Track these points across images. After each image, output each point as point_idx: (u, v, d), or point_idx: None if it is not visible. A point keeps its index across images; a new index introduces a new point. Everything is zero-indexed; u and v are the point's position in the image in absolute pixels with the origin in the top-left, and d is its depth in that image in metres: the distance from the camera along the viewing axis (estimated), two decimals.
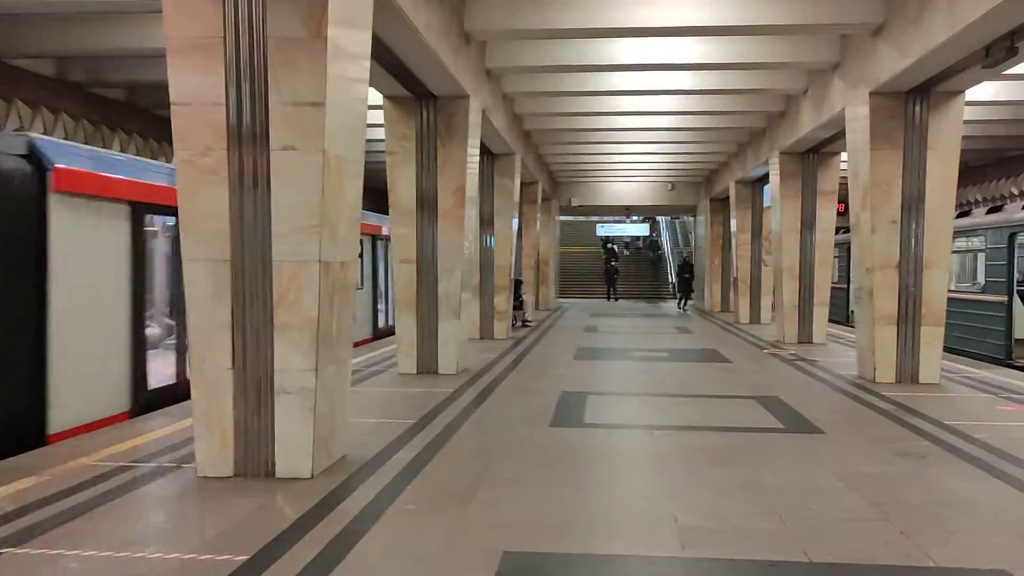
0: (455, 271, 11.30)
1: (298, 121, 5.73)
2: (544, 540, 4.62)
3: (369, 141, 18.24)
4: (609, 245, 41.09)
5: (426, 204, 11.26)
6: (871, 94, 10.40)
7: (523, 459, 6.43)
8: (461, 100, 11.21)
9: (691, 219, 38.10)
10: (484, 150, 15.67)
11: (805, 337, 16.02)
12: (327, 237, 5.84)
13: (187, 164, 5.82)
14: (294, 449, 5.84)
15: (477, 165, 12.17)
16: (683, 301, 28.89)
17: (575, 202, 29.77)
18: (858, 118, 10.92)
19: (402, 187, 11.28)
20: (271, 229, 5.76)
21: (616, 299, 33.95)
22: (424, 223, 11.27)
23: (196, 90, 5.82)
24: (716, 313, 26.31)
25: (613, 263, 36.13)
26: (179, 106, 5.85)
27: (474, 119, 11.56)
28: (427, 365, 11.35)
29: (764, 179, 20.33)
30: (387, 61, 9.55)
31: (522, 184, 21.65)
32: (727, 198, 25.01)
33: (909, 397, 9.45)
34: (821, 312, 16.01)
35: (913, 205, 10.43)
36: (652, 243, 44.34)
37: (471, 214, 11.77)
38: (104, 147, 15.06)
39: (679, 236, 44.11)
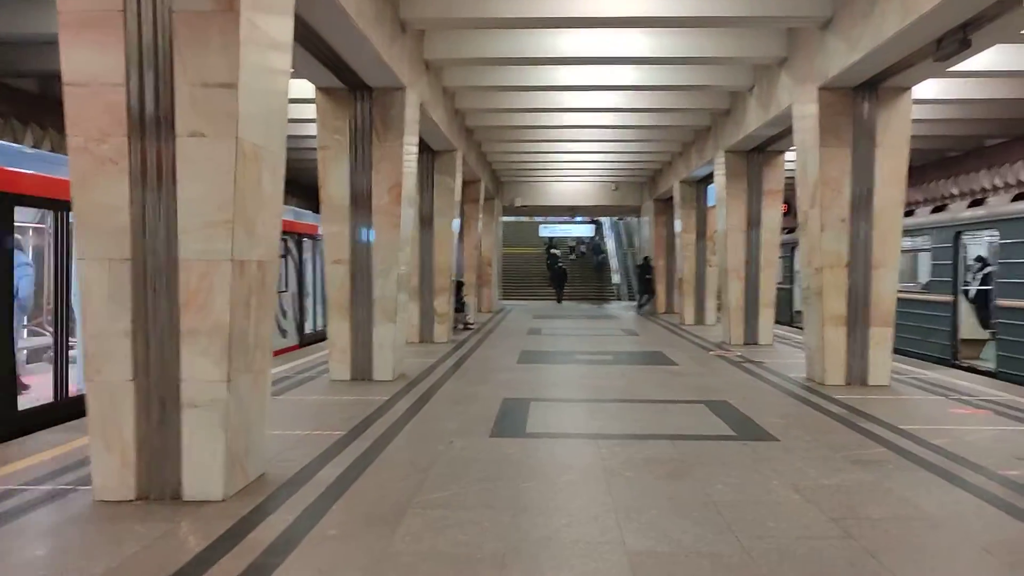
0: (391, 272, 10.75)
1: (207, 105, 5.16)
2: (480, 571, 4.14)
3: (303, 137, 17.81)
4: (552, 251, 40.51)
5: (360, 202, 10.69)
6: (820, 89, 10.14)
7: (460, 475, 5.93)
8: (397, 92, 10.67)
9: (635, 220, 38.00)
10: (424, 146, 15.16)
11: (751, 338, 15.80)
12: (241, 233, 5.28)
13: (81, 152, 5.21)
14: (203, 468, 5.27)
15: (415, 161, 11.64)
16: (644, 302, 27.41)
17: (519, 202, 29.35)
18: (806, 115, 10.66)
19: (335, 184, 10.70)
20: (177, 224, 5.19)
21: (560, 301, 33.33)
22: (358, 222, 10.71)
23: (92, 69, 5.22)
24: (661, 314, 26.08)
25: (560, 265, 35.74)
26: (73, 87, 5.24)
27: (411, 113, 11.03)
28: (361, 371, 10.78)
29: (708, 179, 20.15)
30: (318, 49, 9.00)
31: (464, 183, 21.16)
32: (671, 198, 24.81)
33: (860, 400, 9.19)
34: (767, 313, 15.80)
35: (862, 203, 10.19)
36: (595, 247, 43.94)
37: (408, 213, 11.23)
38: (16, 142, 14.15)
39: (623, 237, 43.97)
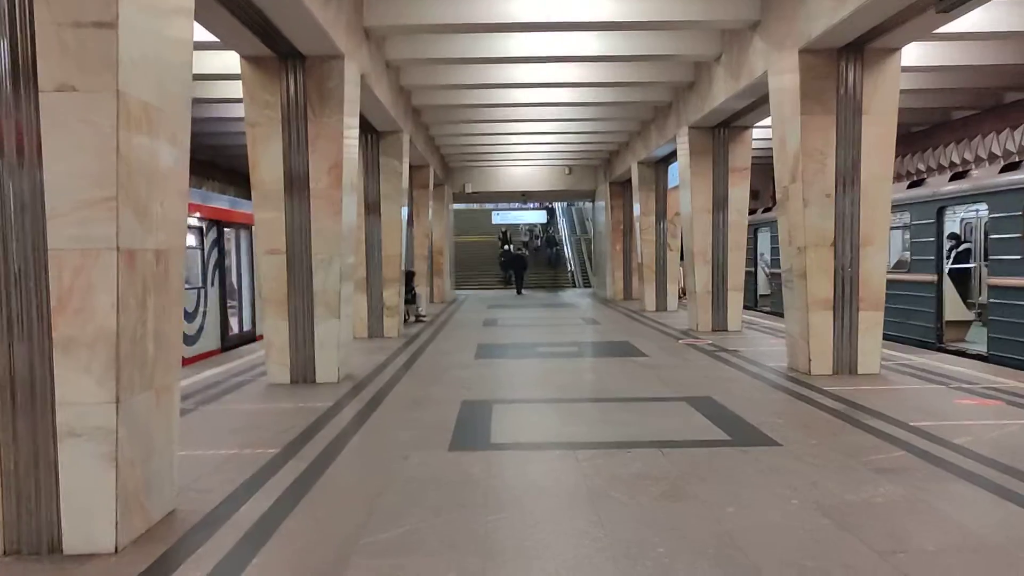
0: (333, 262, 9.63)
1: (79, 49, 4.02)
2: None
3: (231, 120, 16.59)
4: (506, 247, 38.49)
5: (296, 184, 9.56)
6: (801, 52, 9.23)
7: (416, 503, 4.89)
8: (334, 61, 9.53)
9: (588, 205, 37.17)
10: (367, 127, 14.04)
11: (719, 324, 14.96)
12: (129, 215, 4.16)
13: None
14: (89, 513, 4.15)
15: (356, 140, 10.51)
16: None
17: (469, 188, 28.23)
18: (784, 81, 9.76)
19: (266, 165, 9.54)
20: (45, 205, 4.05)
21: (520, 292, 31.63)
22: (294, 207, 9.57)
23: None
24: (619, 301, 25.26)
25: (520, 251, 33.79)
26: None
27: (351, 85, 9.90)
28: (302, 373, 9.67)
29: (669, 159, 19.34)
30: (241, 9, 7.88)
31: (412, 168, 20.08)
32: (628, 181, 24.01)
33: (855, 392, 8.33)
34: (735, 298, 14.97)
35: (848, 176, 9.34)
36: (549, 239, 42.30)
37: (351, 196, 10.10)
38: None
39: (576, 223, 43.14)
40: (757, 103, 12.45)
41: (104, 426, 4.11)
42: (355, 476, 5.63)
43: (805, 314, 9.50)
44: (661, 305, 20.54)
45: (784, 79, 9.76)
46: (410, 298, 18.04)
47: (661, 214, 20.48)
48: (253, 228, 15.40)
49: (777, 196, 10.24)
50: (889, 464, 5.60)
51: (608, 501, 4.89)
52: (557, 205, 44.45)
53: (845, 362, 9.48)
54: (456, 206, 34.56)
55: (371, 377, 10.12)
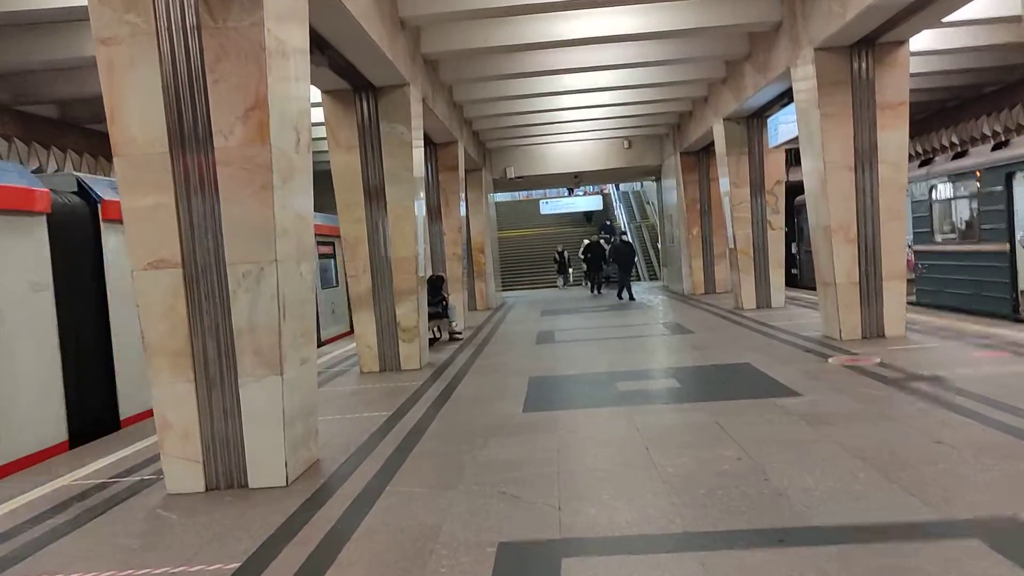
0: (264, 277, 5.46)
1: None
2: None
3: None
4: (587, 242, 30.03)
5: (189, 143, 5.41)
6: None
7: None
8: None
9: (650, 184, 32.62)
10: (357, 78, 9.95)
11: (873, 330, 10.45)
12: None
13: None
14: None
15: (304, 64, 6.26)
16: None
17: (511, 173, 23.88)
18: None
19: (134, 110, 5.43)
20: None
21: (600, 291, 25.21)
22: (190, 183, 5.43)
23: None
24: (701, 296, 20.74)
25: (604, 237, 26.91)
26: None
27: None
28: (225, 473, 5.58)
29: (765, 110, 14.82)
30: None
31: (435, 145, 15.94)
32: (705, 149, 19.56)
33: None
34: (895, 289, 10.45)
35: None
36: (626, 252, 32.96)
37: (294, 159, 5.91)
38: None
39: (635, 207, 38.59)
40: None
41: None
42: None
43: None
44: (763, 301, 15.99)
45: None
46: (439, 311, 13.85)
47: (757, 184, 15.90)
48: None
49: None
50: None
51: None
52: (611, 190, 39.97)
53: None
54: (499, 196, 30.33)
55: (352, 466, 5.96)
